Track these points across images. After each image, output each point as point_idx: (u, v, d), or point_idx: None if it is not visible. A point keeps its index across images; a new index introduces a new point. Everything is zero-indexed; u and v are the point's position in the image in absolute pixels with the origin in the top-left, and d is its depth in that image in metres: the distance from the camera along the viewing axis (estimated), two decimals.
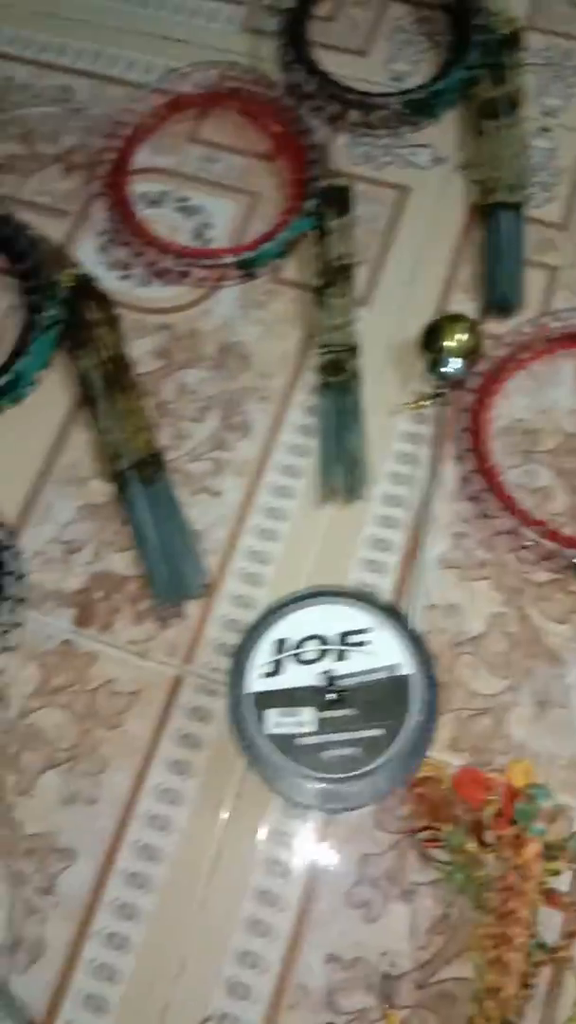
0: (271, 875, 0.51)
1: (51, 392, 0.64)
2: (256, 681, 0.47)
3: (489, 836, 0.49)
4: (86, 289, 0.64)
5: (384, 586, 0.57)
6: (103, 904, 0.51)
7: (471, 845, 0.48)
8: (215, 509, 0.60)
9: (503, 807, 0.48)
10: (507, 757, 0.53)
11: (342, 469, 0.59)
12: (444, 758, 0.53)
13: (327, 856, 0.52)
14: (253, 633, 0.48)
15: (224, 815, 0.53)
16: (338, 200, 0.65)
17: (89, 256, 0.69)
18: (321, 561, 0.58)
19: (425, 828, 0.50)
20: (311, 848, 0.52)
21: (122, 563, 0.59)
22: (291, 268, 0.67)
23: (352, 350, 0.62)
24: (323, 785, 0.44)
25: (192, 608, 0.58)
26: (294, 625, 0.48)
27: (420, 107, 0.69)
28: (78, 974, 0.50)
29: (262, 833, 0.52)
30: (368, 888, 0.51)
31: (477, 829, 0.49)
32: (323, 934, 0.50)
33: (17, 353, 0.63)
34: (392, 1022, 0.48)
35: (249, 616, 0.57)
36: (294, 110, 0.70)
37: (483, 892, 0.47)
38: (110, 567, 0.59)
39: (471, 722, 0.54)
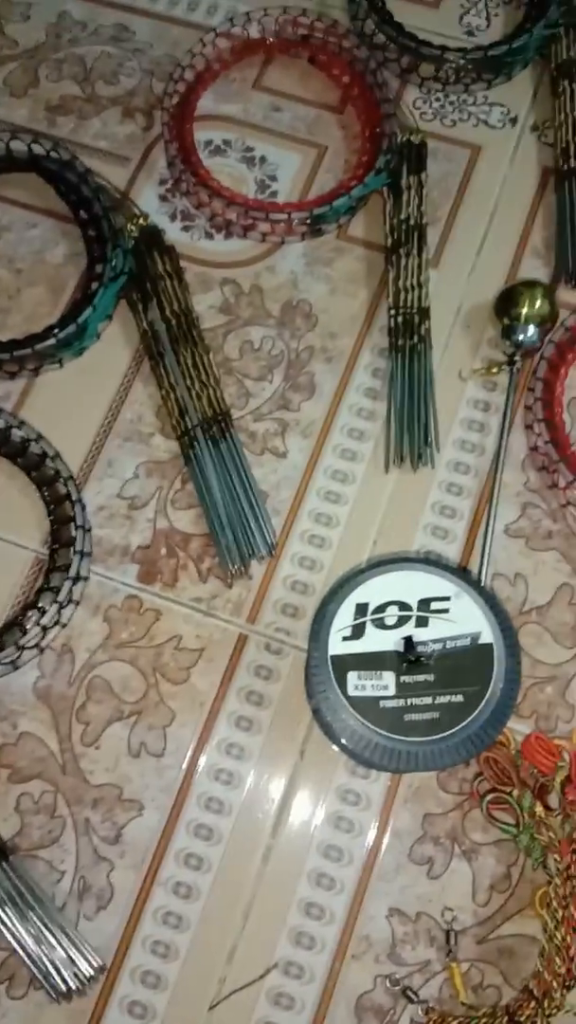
0: (336, 830, 0.52)
1: (113, 345, 0.63)
2: (336, 644, 0.47)
3: (555, 800, 0.50)
4: (153, 240, 0.63)
5: (450, 553, 0.57)
6: (170, 854, 0.52)
7: (539, 808, 0.49)
8: (280, 470, 0.60)
9: (572, 773, 0.49)
10: (570, 725, 0.54)
11: (411, 434, 0.59)
12: (508, 724, 0.53)
13: (391, 814, 0.53)
14: (334, 596, 0.48)
15: (288, 771, 0.54)
16: (414, 156, 0.64)
17: (150, 205, 0.67)
18: (386, 526, 0.58)
19: (492, 791, 0.51)
20: (375, 806, 0.53)
21: (186, 521, 0.59)
22: (359, 225, 0.66)
23: (424, 312, 0.61)
24: (404, 748, 0.45)
25: (257, 568, 0.58)
26: (374, 590, 0.49)
27: (495, 64, 0.67)
28: (146, 921, 0.51)
29: (327, 790, 0.53)
30: (431, 846, 0.52)
31: (543, 793, 0.50)
32: (387, 888, 0.51)
33: (80, 304, 0.62)
34: (454, 975, 0.49)
35: (314, 578, 0.58)
36: (365, 61, 0.68)
37: (548, 854, 0.49)
38: (174, 524, 0.59)
39: (535, 690, 0.54)
